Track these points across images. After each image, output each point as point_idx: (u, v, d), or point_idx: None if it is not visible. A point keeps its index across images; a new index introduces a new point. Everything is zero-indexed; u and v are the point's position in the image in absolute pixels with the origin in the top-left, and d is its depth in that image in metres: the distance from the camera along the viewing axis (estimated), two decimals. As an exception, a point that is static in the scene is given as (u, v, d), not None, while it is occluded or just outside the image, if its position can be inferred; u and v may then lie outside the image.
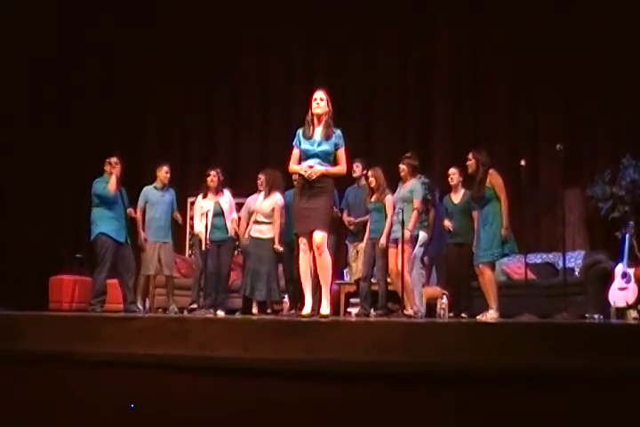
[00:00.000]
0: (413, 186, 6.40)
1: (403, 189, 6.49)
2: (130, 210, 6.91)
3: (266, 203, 7.02)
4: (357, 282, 7.01)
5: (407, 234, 6.17)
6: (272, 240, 6.95)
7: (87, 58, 9.85)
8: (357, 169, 7.01)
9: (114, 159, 6.82)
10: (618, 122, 8.33)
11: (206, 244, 6.81)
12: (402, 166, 6.52)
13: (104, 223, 6.63)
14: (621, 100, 8.30)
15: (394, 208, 6.47)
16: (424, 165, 7.29)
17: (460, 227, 6.69)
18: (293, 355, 3.29)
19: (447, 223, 6.78)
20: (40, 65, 9.65)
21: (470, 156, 6.07)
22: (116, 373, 3.51)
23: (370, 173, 6.75)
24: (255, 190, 7.36)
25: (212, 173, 7.17)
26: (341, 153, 4.93)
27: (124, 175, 6.95)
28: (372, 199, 6.73)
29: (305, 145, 4.89)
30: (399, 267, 6.10)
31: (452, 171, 6.73)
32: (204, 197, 7.16)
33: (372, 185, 6.71)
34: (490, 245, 5.80)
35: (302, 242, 4.89)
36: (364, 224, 6.87)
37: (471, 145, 6.40)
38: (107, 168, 6.80)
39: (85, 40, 9.79)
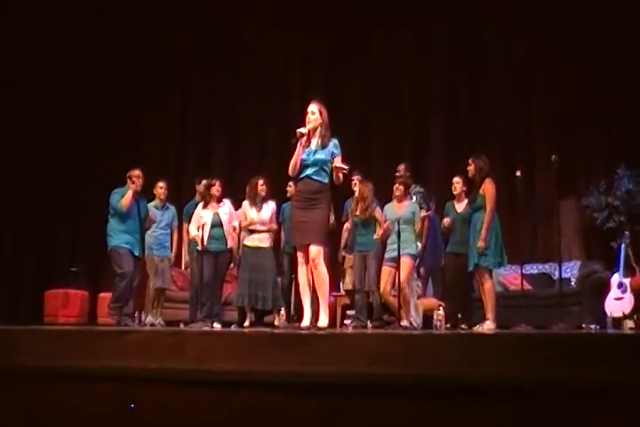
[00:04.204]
0: (414, 208, 6.41)
1: (402, 210, 6.41)
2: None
3: (266, 211, 7.01)
4: (348, 292, 7.14)
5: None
6: (272, 248, 6.97)
7: (85, 66, 9.83)
8: (353, 182, 7.03)
9: (135, 172, 6.56)
10: (613, 132, 8.35)
11: (202, 246, 6.76)
12: (397, 186, 6.50)
13: (118, 236, 6.50)
14: (616, 110, 8.34)
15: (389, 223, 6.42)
16: (420, 175, 7.29)
17: (459, 236, 6.53)
18: (290, 367, 3.28)
19: (446, 220, 6.72)
20: (40, 69, 9.68)
21: (470, 161, 6.13)
22: (113, 386, 3.50)
23: (356, 181, 6.78)
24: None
25: (217, 182, 7.14)
26: (338, 162, 4.91)
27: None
28: (358, 213, 6.69)
29: (302, 155, 4.90)
30: (391, 285, 6.16)
31: (456, 180, 6.66)
32: (205, 206, 7.09)
33: (356, 195, 6.74)
34: (476, 252, 5.81)
35: (300, 255, 4.89)
36: None
37: (467, 155, 6.41)
38: (128, 182, 6.54)
39: (83, 47, 9.80)
